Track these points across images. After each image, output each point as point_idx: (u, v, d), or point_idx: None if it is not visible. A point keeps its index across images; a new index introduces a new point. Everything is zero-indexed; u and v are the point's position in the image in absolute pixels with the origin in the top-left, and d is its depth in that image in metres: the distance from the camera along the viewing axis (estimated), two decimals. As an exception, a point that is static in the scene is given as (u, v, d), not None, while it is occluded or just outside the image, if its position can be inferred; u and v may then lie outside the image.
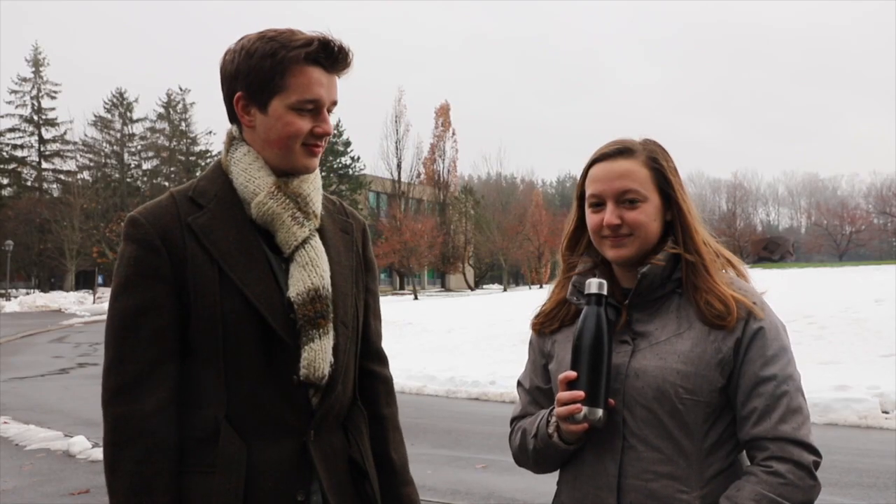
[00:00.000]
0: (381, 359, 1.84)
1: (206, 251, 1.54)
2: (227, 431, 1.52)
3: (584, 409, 1.52)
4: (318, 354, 1.57)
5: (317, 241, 1.63)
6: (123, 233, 1.58)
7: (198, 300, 1.53)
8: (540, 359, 1.76)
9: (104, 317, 1.59)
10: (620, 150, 1.62)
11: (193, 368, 1.55)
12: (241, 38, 1.61)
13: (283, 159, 1.61)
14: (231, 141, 1.65)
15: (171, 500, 1.50)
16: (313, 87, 1.56)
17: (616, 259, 1.63)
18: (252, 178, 1.60)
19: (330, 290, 1.61)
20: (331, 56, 1.57)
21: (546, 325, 1.75)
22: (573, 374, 1.54)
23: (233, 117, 1.64)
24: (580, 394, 1.52)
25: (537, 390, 1.76)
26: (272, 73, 1.54)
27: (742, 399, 1.53)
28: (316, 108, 1.58)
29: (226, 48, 1.62)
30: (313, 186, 1.66)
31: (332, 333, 1.60)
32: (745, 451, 1.57)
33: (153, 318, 1.52)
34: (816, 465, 1.49)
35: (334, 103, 1.62)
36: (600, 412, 1.53)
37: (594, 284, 1.58)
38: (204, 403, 1.54)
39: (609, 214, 1.60)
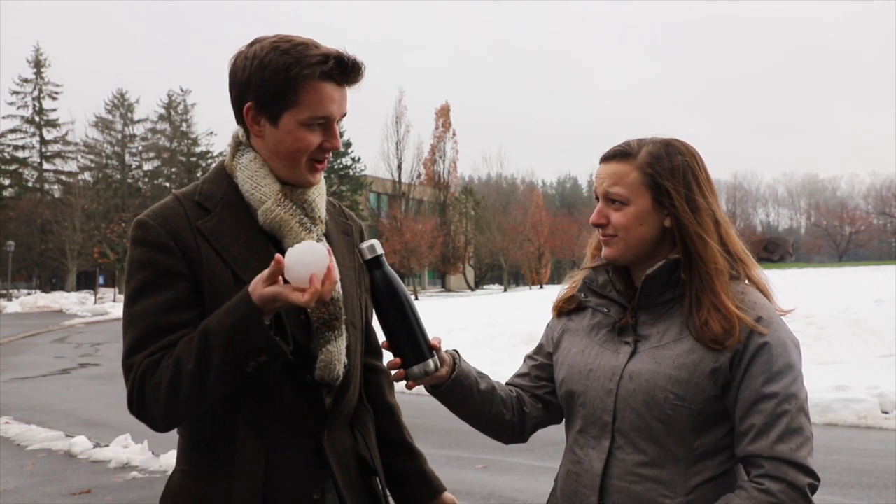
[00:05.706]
0: (379, 353, 1.88)
1: (218, 254, 1.54)
2: (244, 432, 1.53)
3: (414, 370, 1.55)
4: (334, 356, 1.58)
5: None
6: (132, 237, 1.55)
7: (213, 302, 1.51)
8: (545, 339, 1.82)
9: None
10: (617, 153, 1.63)
11: None
12: (254, 44, 1.58)
13: (288, 171, 1.60)
14: (238, 145, 1.64)
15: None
16: (325, 103, 1.55)
17: (606, 258, 1.65)
18: (258, 186, 1.59)
19: (341, 292, 1.61)
20: (344, 71, 1.56)
21: (563, 308, 1.78)
22: (387, 342, 1.58)
23: (241, 121, 1.63)
24: (397, 361, 1.56)
25: (530, 359, 1.84)
26: (285, 89, 1.52)
27: (741, 414, 1.49)
28: (326, 123, 1.58)
29: (237, 51, 1.59)
30: (318, 192, 1.66)
31: (345, 335, 1.61)
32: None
33: (178, 313, 1.50)
34: (813, 488, 1.45)
35: (343, 115, 1.61)
36: (430, 363, 1.56)
37: (366, 250, 1.55)
38: (219, 404, 1.52)
39: (594, 213, 1.64)
